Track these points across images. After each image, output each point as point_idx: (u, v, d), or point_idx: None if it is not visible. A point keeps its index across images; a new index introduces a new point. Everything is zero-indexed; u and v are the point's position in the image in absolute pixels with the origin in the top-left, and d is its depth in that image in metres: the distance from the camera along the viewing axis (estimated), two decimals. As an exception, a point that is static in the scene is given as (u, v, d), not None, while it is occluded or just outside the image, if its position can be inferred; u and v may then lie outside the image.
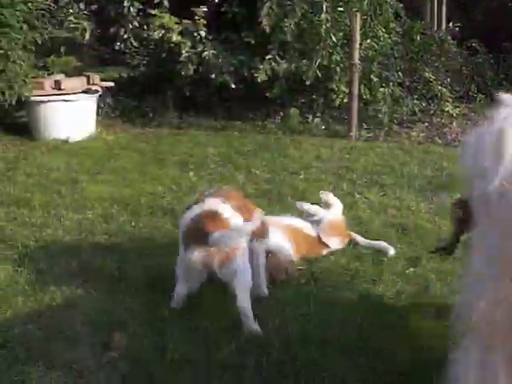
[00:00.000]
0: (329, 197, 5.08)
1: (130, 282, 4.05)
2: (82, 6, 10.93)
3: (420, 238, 5.06)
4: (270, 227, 4.24)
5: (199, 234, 3.56)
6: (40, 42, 9.05)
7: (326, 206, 5.00)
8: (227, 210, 3.76)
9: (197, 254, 3.51)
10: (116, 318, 3.62)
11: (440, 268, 4.41)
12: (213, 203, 3.81)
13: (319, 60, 9.61)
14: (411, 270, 4.38)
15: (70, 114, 8.97)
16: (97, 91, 9.62)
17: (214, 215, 3.68)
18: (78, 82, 9.40)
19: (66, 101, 8.96)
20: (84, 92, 9.36)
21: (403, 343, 3.37)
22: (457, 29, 12.32)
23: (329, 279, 4.18)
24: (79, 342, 3.37)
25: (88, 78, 9.66)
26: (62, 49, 10.54)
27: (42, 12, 9.15)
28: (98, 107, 10.11)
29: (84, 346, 3.34)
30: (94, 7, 11.36)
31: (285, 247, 4.42)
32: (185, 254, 3.62)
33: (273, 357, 3.22)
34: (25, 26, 8.56)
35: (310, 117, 10.14)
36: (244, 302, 3.54)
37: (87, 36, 10.67)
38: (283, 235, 4.51)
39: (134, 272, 4.22)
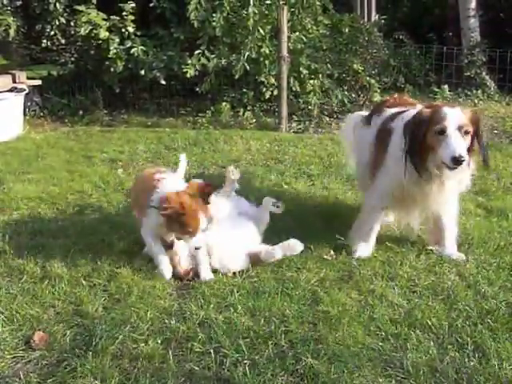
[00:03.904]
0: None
1: (55, 281, 4.00)
2: (5, 1, 10.66)
3: (346, 226, 5.16)
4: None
5: None
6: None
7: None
8: None
9: None
10: (38, 316, 3.58)
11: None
12: None
13: (248, 53, 9.64)
14: (335, 257, 4.47)
15: (-4, 113, 8.74)
16: (23, 90, 9.43)
17: None
18: (3, 81, 9.20)
19: (-10, 100, 8.75)
20: (10, 91, 9.16)
21: (328, 332, 3.43)
22: (383, 21, 12.53)
23: (254, 269, 4.21)
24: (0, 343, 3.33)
25: (14, 76, 9.46)
26: (-14, 47, 10.35)
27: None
28: (26, 106, 9.92)
29: (5, 346, 3.30)
30: (18, 3, 11.13)
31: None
32: None
33: (196, 349, 3.24)
34: None
35: (241, 110, 10.20)
36: None
37: (12, 33, 10.39)
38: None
39: (58, 271, 4.17)
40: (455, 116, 3.88)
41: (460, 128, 3.86)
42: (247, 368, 3.03)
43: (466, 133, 3.90)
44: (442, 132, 3.86)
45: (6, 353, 3.25)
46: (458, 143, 3.81)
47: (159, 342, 3.32)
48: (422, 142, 3.97)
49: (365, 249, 4.52)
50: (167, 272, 4.11)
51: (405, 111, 4.44)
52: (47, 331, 3.43)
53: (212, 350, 3.21)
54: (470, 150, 3.97)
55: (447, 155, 3.81)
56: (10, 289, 3.94)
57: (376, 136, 4.67)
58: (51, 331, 3.43)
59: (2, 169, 7.12)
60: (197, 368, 3.08)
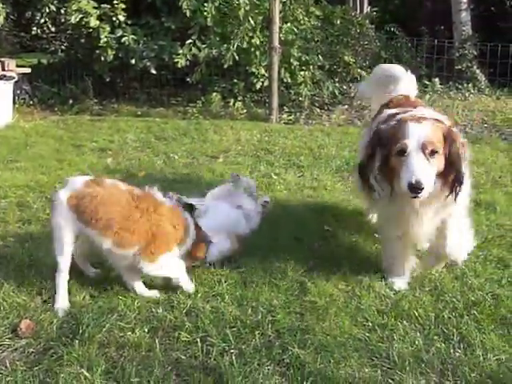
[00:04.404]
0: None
1: (42, 269, 3.98)
2: (-6, -12, 10.56)
3: (334, 217, 5.19)
4: None
5: None
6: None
7: None
8: None
9: None
10: (25, 304, 3.57)
11: (350, 244, 4.56)
12: None
13: (237, 43, 9.61)
14: (323, 247, 4.49)
15: (-16, 101, 8.68)
16: (12, 77, 9.36)
17: None
18: (-8, 69, 9.15)
19: (-22, 87, 8.69)
20: (-2, 78, 9.11)
21: (315, 322, 3.44)
22: (374, 13, 12.52)
23: (242, 260, 4.22)
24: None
25: (3, 63, 9.39)
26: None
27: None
28: (15, 94, 9.86)
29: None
30: (8, -11, 11.04)
31: None
32: None
33: (183, 338, 3.25)
34: None
35: (232, 101, 10.17)
36: None
37: (1, 20, 10.31)
38: None
39: (46, 259, 4.14)
40: (418, 133, 3.37)
41: (423, 147, 3.33)
42: (234, 357, 3.04)
43: (433, 153, 3.36)
44: (402, 152, 3.37)
45: (-7, 340, 3.25)
46: (417, 166, 3.29)
47: (146, 330, 3.32)
48: (385, 163, 3.49)
49: (401, 281, 3.90)
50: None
51: (398, 114, 3.87)
52: (34, 319, 3.42)
53: (199, 339, 3.22)
54: (446, 173, 3.45)
55: (404, 181, 3.31)
56: (-1, 276, 3.93)
57: (368, 141, 4.08)
58: (38, 319, 3.43)
59: (-9, 157, 7.09)
60: (183, 357, 3.09)
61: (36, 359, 3.08)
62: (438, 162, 3.41)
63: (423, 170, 3.30)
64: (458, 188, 3.47)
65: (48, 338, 3.25)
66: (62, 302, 3.58)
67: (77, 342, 3.16)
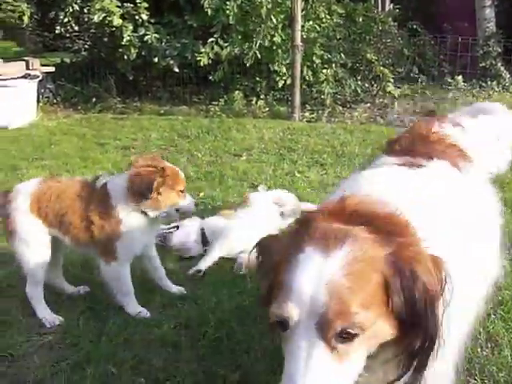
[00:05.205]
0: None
1: (66, 266, 4.01)
2: (19, -12, 10.66)
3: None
4: None
5: None
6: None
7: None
8: None
9: None
10: (52, 301, 3.60)
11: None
12: None
13: (260, 42, 9.61)
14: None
15: (9, 99, 8.76)
16: (37, 76, 9.45)
17: None
18: (17, 67, 9.23)
19: (4, 86, 8.76)
20: (23, 77, 9.18)
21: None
22: (397, 10, 12.46)
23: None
24: (13, 327, 3.36)
25: (27, 62, 9.49)
26: (0, 33, 10.34)
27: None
28: (39, 93, 9.95)
29: (20, 330, 3.33)
30: (32, -11, 11.13)
31: None
32: None
33: (209, 334, 3.25)
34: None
35: (254, 99, 10.17)
36: None
37: (26, 19, 10.41)
38: None
39: (70, 256, 4.17)
40: (312, 285, 1.55)
41: (323, 324, 1.53)
42: (259, 354, 3.04)
43: (348, 336, 1.54)
44: (282, 326, 1.61)
45: (21, 336, 3.28)
46: (302, 373, 1.50)
47: (172, 326, 3.34)
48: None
49: None
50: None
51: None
52: (60, 315, 3.47)
53: (224, 336, 3.22)
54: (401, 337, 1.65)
55: None
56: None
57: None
58: (64, 316, 3.46)
59: (16, 155, 7.18)
60: (209, 353, 3.10)
61: (63, 355, 3.11)
62: (368, 344, 1.61)
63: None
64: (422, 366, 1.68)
65: (75, 334, 3.29)
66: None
67: (103, 338, 3.19)
